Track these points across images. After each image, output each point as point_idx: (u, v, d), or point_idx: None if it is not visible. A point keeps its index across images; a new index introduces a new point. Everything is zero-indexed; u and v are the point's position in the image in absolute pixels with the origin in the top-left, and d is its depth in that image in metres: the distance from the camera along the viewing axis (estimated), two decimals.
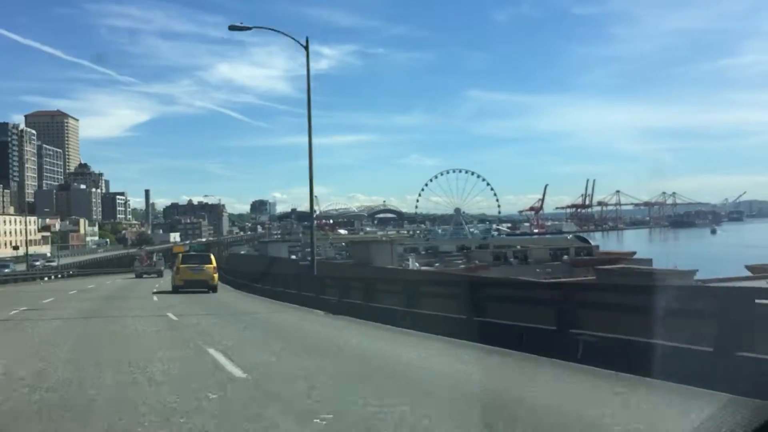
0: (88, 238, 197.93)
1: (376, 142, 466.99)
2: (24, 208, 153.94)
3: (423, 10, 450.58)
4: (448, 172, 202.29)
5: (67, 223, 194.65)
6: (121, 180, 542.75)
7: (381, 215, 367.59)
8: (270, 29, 28.38)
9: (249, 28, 27.35)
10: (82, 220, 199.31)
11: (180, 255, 36.77)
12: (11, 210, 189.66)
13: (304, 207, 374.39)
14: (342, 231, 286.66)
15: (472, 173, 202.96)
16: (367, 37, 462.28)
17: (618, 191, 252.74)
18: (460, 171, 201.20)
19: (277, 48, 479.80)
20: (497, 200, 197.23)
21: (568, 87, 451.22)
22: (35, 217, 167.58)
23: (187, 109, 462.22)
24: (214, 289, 33.57)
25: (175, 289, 33.46)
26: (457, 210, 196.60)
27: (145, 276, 65.59)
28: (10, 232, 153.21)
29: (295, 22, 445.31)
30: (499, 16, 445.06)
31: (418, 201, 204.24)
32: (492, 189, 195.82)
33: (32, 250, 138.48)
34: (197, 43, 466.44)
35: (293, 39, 28.12)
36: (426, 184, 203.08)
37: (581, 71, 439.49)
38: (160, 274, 67.26)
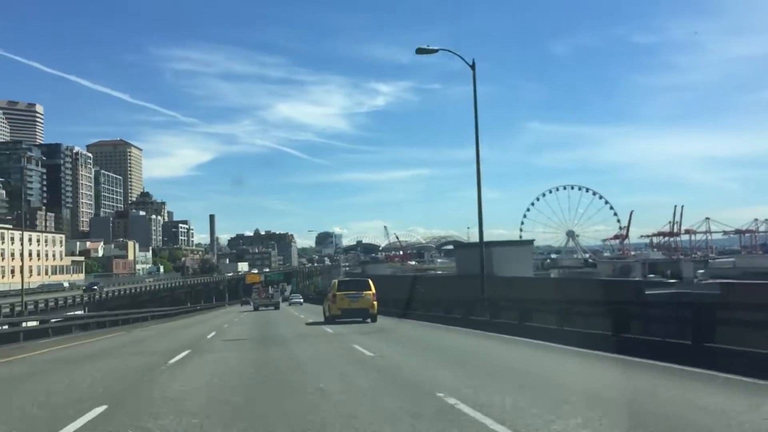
0: (139, 266, 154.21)
1: (433, 176, 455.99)
2: (68, 234, 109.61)
3: (479, 44, 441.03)
4: (557, 189, 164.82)
5: (112, 246, 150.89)
6: (185, 217, 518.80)
7: (448, 246, 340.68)
8: (447, 51, 27.57)
9: (435, 51, 27.50)
10: (131, 243, 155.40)
11: (335, 282, 30.69)
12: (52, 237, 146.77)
13: (368, 240, 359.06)
14: (411, 262, 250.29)
15: (587, 189, 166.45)
16: (423, 72, 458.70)
17: (708, 218, 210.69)
18: (572, 187, 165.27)
19: (335, 86, 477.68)
20: (618, 220, 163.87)
21: (629, 117, 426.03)
22: (61, 236, 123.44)
23: (248, 147, 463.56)
24: (374, 318, 27.51)
25: (331, 320, 28.09)
26: (571, 233, 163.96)
27: (262, 308, 61.74)
28: (30, 254, 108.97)
29: (353, 60, 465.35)
30: (557, 47, 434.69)
31: (522, 224, 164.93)
32: (612, 208, 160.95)
33: (55, 279, 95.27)
34: (257, 84, 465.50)
35: (461, 58, 27.99)
36: (532, 203, 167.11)
37: (642, 101, 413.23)
38: (277, 306, 63.76)
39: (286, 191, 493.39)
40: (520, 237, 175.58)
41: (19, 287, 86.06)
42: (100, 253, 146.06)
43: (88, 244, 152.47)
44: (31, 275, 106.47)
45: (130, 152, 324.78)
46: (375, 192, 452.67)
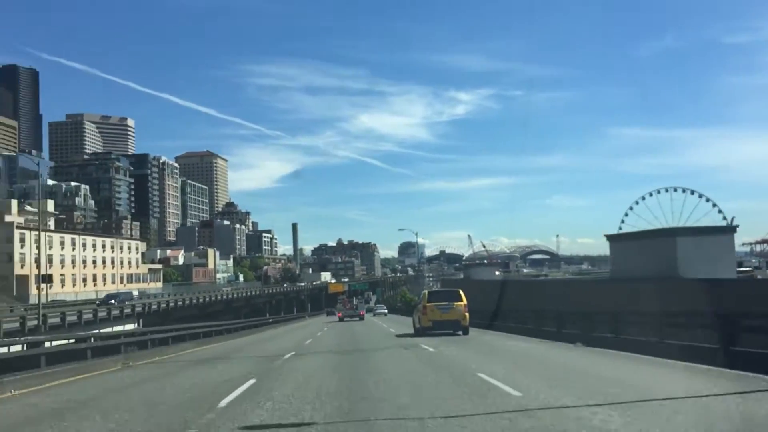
0: (220, 275, 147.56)
1: (515, 185, 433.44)
2: (155, 243, 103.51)
3: (561, 50, 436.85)
4: (659, 192, 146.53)
5: (192, 254, 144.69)
6: (269, 228, 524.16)
7: (534, 256, 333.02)
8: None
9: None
10: (210, 251, 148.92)
11: (426, 293, 29.60)
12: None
13: (450, 249, 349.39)
14: (497, 272, 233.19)
15: (692, 192, 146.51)
16: (504, 79, 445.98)
17: None
18: (675, 189, 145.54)
19: (416, 96, 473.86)
20: (728, 224, 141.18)
21: (721, 119, 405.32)
22: (137, 242, 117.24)
23: (331, 158, 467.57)
24: (465, 330, 26.23)
25: (421, 332, 26.78)
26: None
27: (347, 319, 59.51)
28: (103, 261, 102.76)
29: (432, 70, 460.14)
30: (641, 50, 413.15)
31: (620, 230, 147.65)
32: (720, 211, 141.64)
33: (130, 287, 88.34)
34: (339, 96, 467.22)
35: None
36: (631, 207, 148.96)
37: (733, 102, 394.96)
38: (362, 317, 61.65)
39: (368, 201, 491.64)
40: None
41: (91, 296, 78.74)
42: (180, 261, 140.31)
43: (168, 252, 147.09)
44: (105, 283, 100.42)
45: (216, 163, 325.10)
46: (457, 201, 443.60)
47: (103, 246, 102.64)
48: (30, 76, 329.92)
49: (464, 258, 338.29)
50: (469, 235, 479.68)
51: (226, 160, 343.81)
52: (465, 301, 26.50)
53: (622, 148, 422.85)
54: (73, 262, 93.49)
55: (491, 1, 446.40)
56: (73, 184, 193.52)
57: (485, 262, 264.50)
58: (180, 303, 62.29)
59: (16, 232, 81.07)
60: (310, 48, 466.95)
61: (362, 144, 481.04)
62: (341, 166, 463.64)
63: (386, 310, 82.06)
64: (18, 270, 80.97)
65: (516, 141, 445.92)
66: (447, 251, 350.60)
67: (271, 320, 52.37)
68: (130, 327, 48.06)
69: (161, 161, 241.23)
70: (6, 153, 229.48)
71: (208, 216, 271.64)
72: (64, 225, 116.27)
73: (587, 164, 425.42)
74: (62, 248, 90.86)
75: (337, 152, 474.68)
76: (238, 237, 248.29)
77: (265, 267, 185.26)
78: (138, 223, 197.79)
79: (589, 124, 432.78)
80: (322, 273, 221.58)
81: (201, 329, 34.09)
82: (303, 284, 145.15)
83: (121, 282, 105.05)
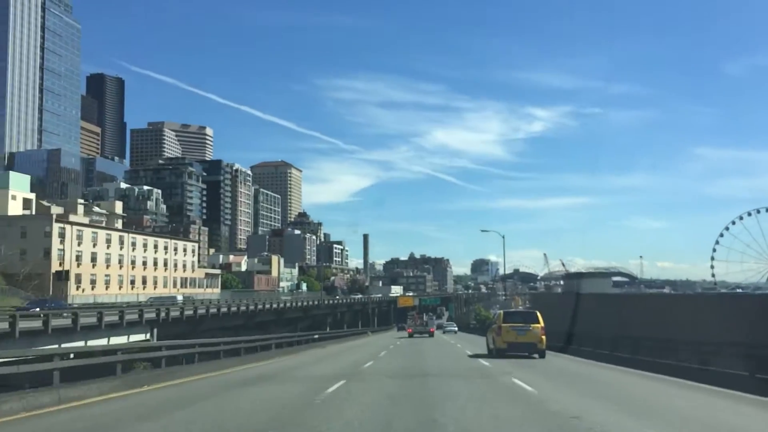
0: (284, 283, 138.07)
1: (593, 204, 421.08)
2: (225, 250, 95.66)
3: (645, 67, 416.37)
4: (749, 214, 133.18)
5: (255, 261, 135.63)
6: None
7: (612, 278, 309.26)
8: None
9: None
10: (275, 258, 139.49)
11: (501, 313, 27.62)
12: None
13: (525, 268, 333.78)
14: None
15: None
16: (583, 97, 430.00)
17: None
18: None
19: (492, 112, 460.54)
20: None
21: None
22: (192, 244, 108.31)
23: (405, 173, 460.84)
24: (542, 353, 24.57)
25: (496, 353, 25.33)
26: None
27: (416, 335, 57.05)
28: (155, 262, 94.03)
29: (509, 86, 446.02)
30: (731, 68, 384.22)
31: (713, 256, 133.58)
32: None
33: (183, 292, 79.94)
34: (415, 111, 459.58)
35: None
36: (727, 228, 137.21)
37: None
38: (431, 335, 58.20)
39: (441, 218, 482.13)
40: (712, 272, 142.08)
41: (132, 298, 69.59)
42: (243, 268, 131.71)
43: (231, 257, 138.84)
44: (156, 286, 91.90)
45: (290, 173, 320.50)
46: (531, 220, 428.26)
47: (156, 246, 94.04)
48: (116, 85, 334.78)
49: (539, 277, 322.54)
50: (545, 254, 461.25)
51: (300, 171, 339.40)
52: (542, 324, 25.02)
53: (708, 169, 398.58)
54: (120, 262, 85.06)
55: (570, 17, 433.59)
56: (145, 187, 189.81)
57: (561, 282, 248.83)
58: (222, 310, 51.57)
59: (55, 227, 72.91)
60: (389, 63, 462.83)
61: (437, 160, 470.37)
62: (415, 181, 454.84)
63: (456, 328, 79.79)
64: (56, 268, 72.80)
65: (594, 160, 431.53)
66: (521, 270, 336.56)
67: (316, 336, 40.77)
68: (138, 338, 37.55)
69: (234, 168, 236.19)
70: (84, 156, 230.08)
71: (279, 225, 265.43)
72: (133, 228, 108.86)
73: (669, 185, 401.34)
74: (108, 246, 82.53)
75: (412, 167, 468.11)
76: (308, 247, 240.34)
77: (333, 277, 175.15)
78: (207, 229, 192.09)
79: (671, 144, 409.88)
80: (392, 287, 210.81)
81: (223, 346, 23.28)
82: (370, 296, 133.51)
83: (174, 286, 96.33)
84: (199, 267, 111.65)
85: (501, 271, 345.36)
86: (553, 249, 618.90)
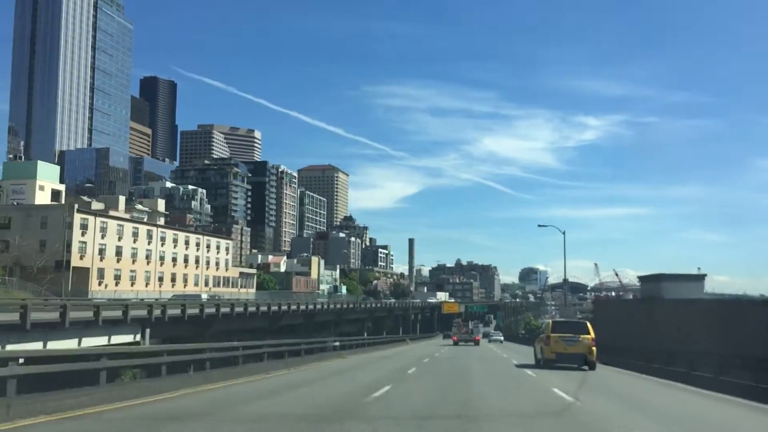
0: (324, 286, 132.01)
1: (646, 215, 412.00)
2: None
3: (700, 76, 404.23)
4: None
5: (295, 261, 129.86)
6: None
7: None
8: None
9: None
10: (314, 260, 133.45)
11: (549, 322, 27.07)
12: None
13: (574, 279, 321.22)
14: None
15: None
16: (639, 105, 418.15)
17: None
18: None
19: (542, 120, 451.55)
20: None
21: None
22: (226, 242, 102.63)
23: (453, 181, 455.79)
24: (592, 365, 23.74)
25: (544, 364, 24.39)
26: None
27: (461, 343, 55.92)
28: (185, 259, 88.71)
29: (560, 94, 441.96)
30: None
31: None
32: None
33: (216, 291, 75.24)
34: (464, 118, 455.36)
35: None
36: None
37: None
38: (476, 343, 57.33)
39: (489, 225, 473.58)
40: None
41: (155, 296, 64.31)
42: (282, 269, 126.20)
43: (270, 257, 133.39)
44: (186, 284, 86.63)
45: (337, 177, 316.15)
46: (581, 230, 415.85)
47: (187, 242, 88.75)
48: (168, 88, 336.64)
49: (589, 288, 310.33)
50: (596, 264, 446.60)
51: (347, 175, 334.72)
52: (593, 335, 24.00)
53: None
54: (147, 257, 79.91)
55: (623, 25, 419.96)
56: (190, 187, 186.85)
57: (612, 294, 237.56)
58: (236, 311, 45.21)
59: (77, 217, 67.98)
60: (439, 70, 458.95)
61: (485, 167, 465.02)
62: (463, 188, 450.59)
63: (502, 337, 78.19)
64: (77, 262, 67.92)
65: (649, 170, 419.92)
66: (570, 280, 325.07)
67: (336, 343, 33.86)
68: (122, 339, 31.35)
69: (280, 170, 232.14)
70: (133, 156, 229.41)
71: (325, 228, 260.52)
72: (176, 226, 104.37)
73: (727, 197, 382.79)
74: (135, 240, 77.46)
75: (460, 175, 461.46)
76: (353, 250, 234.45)
77: (376, 281, 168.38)
78: (249, 229, 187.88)
79: (731, 155, 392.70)
80: (438, 293, 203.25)
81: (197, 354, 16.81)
82: (412, 301, 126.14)
83: (206, 284, 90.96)
84: (234, 266, 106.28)
85: (550, 281, 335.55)
86: (604, 260, 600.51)
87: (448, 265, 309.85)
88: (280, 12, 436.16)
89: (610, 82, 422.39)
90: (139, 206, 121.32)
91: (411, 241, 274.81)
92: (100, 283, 71.11)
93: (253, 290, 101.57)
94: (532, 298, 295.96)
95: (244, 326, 46.94)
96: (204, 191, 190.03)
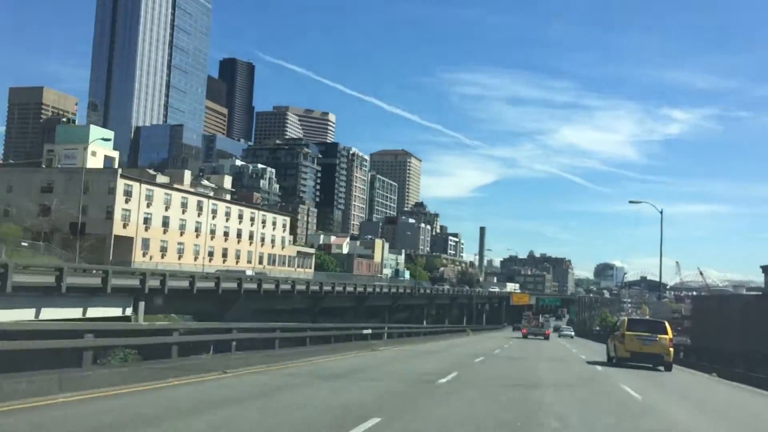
0: (387, 270, 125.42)
1: (733, 214, 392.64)
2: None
3: None
4: None
5: (358, 243, 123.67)
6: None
7: (754, 293, 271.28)
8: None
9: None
10: (378, 242, 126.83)
11: (625, 320, 25.96)
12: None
13: (652, 276, 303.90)
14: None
15: None
16: (729, 99, 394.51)
17: None
18: None
19: (625, 112, 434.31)
20: None
21: None
22: (283, 218, 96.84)
23: (529, 172, 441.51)
24: (668, 366, 22.65)
25: (617, 362, 23.27)
26: None
27: (531, 337, 54.20)
28: (238, 234, 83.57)
29: (645, 85, 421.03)
30: None
31: None
32: None
33: (271, 269, 70.40)
34: (542, 108, 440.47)
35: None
36: None
37: None
38: (546, 337, 54.75)
39: (565, 218, 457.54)
40: None
41: (200, 270, 59.17)
42: (345, 251, 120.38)
43: (333, 238, 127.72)
44: (238, 261, 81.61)
45: (409, 162, 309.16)
46: (663, 226, 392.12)
47: (241, 216, 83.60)
48: (246, 69, 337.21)
49: (669, 286, 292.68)
50: (677, 262, 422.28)
51: (420, 161, 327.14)
52: (671, 335, 23.04)
53: None
54: (197, 230, 75.05)
55: (712, 13, 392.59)
56: (260, 166, 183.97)
57: (692, 293, 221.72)
58: (265, 287, 38.83)
59: (120, 184, 63.42)
60: (517, 58, 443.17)
61: (563, 159, 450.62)
62: (539, 179, 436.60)
63: (573, 333, 75.34)
64: (119, 230, 63.50)
65: (738, 166, 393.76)
66: (648, 278, 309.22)
67: (368, 330, 26.79)
68: (105, 312, 25.26)
69: (351, 152, 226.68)
70: (205, 134, 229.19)
71: (395, 213, 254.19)
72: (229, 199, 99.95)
73: None
74: (183, 212, 72.66)
75: (536, 165, 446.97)
76: (422, 237, 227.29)
77: (443, 268, 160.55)
78: (316, 210, 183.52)
79: None
80: (508, 284, 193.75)
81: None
82: (478, 290, 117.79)
83: (260, 262, 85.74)
84: (292, 244, 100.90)
85: (627, 277, 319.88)
86: (685, 258, 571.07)
87: (520, 256, 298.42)
88: None
89: (697, 73, 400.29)
90: (206, 182, 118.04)
91: (482, 230, 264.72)
92: (144, 254, 66.62)
93: (311, 270, 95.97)
94: (607, 294, 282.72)
95: (276, 305, 40.57)
96: (273, 170, 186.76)
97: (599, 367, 21.47)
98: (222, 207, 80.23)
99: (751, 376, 19.10)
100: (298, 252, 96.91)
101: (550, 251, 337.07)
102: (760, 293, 30.67)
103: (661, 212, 37.25)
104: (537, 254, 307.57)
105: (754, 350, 21.93)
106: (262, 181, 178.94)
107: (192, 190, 78.39)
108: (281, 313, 39.36)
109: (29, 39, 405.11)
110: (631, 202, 41.82)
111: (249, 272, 60.01)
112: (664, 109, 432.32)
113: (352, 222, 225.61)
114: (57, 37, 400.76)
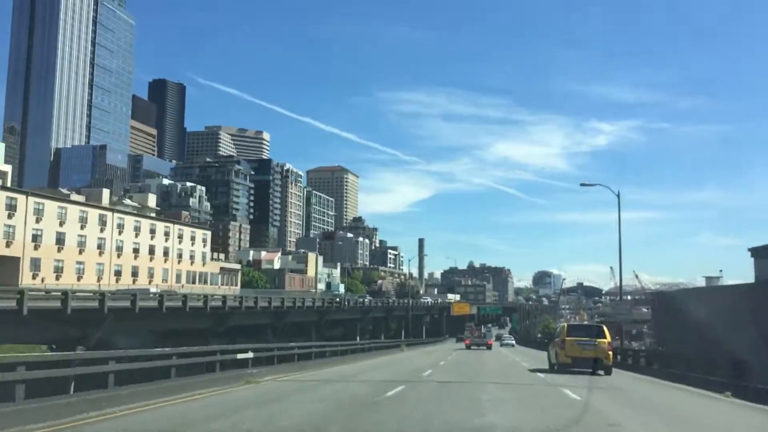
0: (321, 285, 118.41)
1: (659, 219, 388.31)
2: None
3: (714, 81, 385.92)
4: None
5: (290, 259, 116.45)
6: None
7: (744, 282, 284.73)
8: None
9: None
10: (312, 256, 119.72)
11: (565, 326, 26.40)
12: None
13: (588, 282, 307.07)
14: (644, 309, 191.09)
15: None
16: (651, 111, 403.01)
17: None
18: None
19: (555, 126, 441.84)
20: None
21: None
22: (202, 232, 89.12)
23: (466, 185, 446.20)
24: (608, 369, 22.64)
25: (559, 368, 23.22)
26: None
27: (473, 347, 54.64)
28: (150, 251, 75.38)
29: (573, 98, 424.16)
30: None
31: None
32: None
33: (193, 288, 62.69)
34: (477, 124, 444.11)
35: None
36: None
37: None
38: (489, 347, 55.92)
39: (502, 230, 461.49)
40: None
41: (109, 289, 51.07)
42: (276, 266, 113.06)
43: (263, 254, 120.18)
44: (151, 279, 73.45)
45: (347, 178, 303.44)
46: (595, 234, 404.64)
47: (153, 231, 75.57)
48: (177, 90, 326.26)
49: (604, 291, 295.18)
50: (611, 267, 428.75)
51: (357, 177, 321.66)
52: (609, 339, 23.41)
53: None
54: (100, 247, 66.76)
55: (635, 30, 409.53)
56: (188, 184, 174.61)
57: (627, 297, 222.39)
58: (138, 305, 31.68)
59: (1, 196, 54.90)
60: (451, 76, 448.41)
61: (498, 172, 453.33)
62: (476, 193, 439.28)
63: (514, 342, 76.34)
64: (3, 250, 54.97)
65: (661, 175, 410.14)
66: (585, 284, 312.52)
67: (249, 354, 20.13)
68: None
69: (285, 168, 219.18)
70: (131, 154, 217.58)
71: (333, 229, 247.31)
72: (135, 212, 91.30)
73: (744, 202, 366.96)
74: (82, 227, 64.39)
75: (473, 179, 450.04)
76: (360, 251, 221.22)
77: (381, 281, 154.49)
78: (249, 227, 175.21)
79: (743, 160, 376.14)
80: (449, 295, 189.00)
81: None
82: (417, 301, 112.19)
83: (177, 281, 77.75)
84: (218, 261, 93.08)
85: (565, 284, 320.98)
86: (616, 263, 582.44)
87: (461, 267, 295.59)
88: (291, 17, 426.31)
89: (622, 87, 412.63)
90: (128, 201, 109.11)
91: (421, 241, 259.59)
92: (34, 276, 58.12)
93: (236, 287, 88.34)
94: (546, 302, 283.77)
95: (153, 326, 33.49)
96: (203, 188, 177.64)
97: (540, 374, 20.86)
98: (130, 221, 71.92)
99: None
100: (222, 268, 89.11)
101: (490, 261, 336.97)
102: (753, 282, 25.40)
103: (618, 195, 32.88)
104: (477, 264, 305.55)
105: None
106: (191, 200, 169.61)
107: (91, 203, 69.78)
108: (176, 335, 32.55)
109: None
110: (582, 185, 37.53)
111: (153, 290, 52.67)
112: (592, 122, 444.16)
113: (289, 239, 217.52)
114: None
